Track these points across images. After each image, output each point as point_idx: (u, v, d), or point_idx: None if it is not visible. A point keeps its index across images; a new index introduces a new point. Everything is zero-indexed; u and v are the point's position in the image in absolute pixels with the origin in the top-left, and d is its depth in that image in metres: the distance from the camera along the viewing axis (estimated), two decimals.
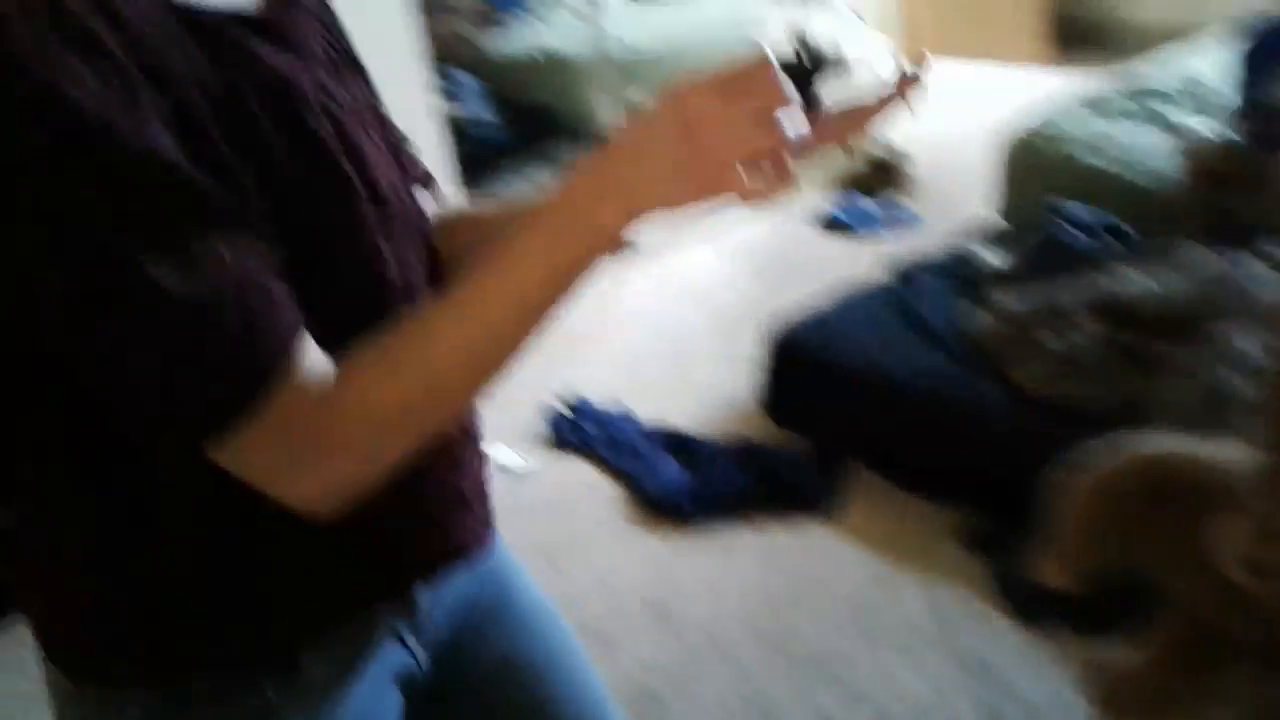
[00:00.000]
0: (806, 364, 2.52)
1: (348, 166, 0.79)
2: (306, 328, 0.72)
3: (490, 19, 4.66)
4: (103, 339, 0.66)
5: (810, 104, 0.75)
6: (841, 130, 0.77)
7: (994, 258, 2.62)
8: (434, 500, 0.90)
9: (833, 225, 3.74)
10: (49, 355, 0.69)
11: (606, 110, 4.16)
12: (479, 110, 4.28)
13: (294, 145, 0.75)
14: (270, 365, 0.69)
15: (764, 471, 2.44)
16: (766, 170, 0.67)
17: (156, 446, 0.71)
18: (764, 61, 0.66)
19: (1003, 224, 2.95)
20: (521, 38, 4.56)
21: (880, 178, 3.91)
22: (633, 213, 0.70)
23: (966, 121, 4.04)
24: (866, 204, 3.80)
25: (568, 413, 2.76)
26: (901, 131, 3.64)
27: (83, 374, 0.69)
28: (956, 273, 2.63)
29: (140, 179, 0.65)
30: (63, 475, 0.75)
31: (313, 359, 0.71)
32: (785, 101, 0.67)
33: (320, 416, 0.70)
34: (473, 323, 0.72)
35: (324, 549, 0.81)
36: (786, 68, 0.68)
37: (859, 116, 0.77)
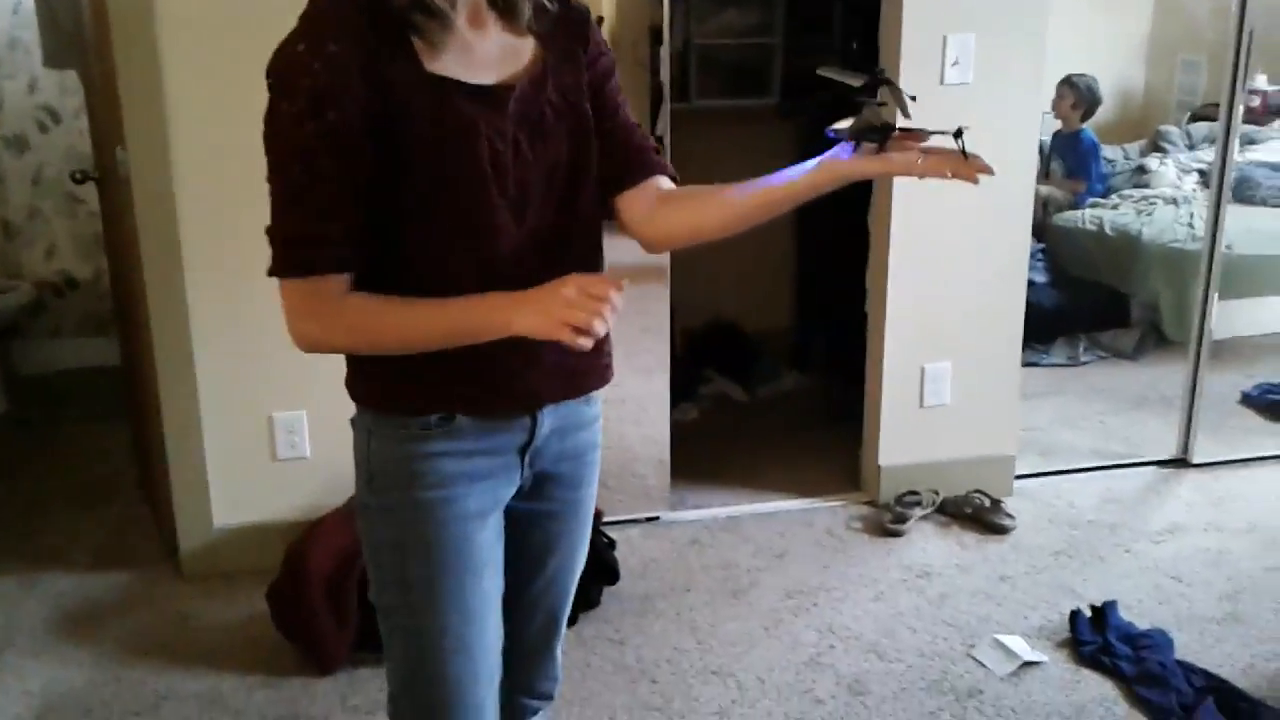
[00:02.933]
0: None
1: (488, 169, 1.22)
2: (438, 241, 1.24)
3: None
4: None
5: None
6: (942, 165, 1.17)
7: None
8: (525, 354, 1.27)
9: None
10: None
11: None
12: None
13: (454, 153, 1.21)
14: (314, 266, 1.19)
15: None
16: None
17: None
18: (613, 284, 1.13)
19: None
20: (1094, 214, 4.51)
21: None
22: (510, 329, 1.17)
23: None
24: None
25: (1093, 617, 2.57)
26: None
27: None
28: None
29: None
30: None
31: (346, 279, 1.21)
32: (608, 307, 1.12)
33: (328, 306, 1.20)
34: (402, 326, 1.23)
35: (466, 361, 1.25)
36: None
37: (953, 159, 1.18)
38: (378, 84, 1.17)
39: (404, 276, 1.25)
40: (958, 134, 1.18)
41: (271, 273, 1.21)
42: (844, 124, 1.23)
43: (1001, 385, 3.19)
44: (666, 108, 2.98)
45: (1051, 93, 4.56)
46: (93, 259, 4.32)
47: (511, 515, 1.41)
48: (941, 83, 2.88)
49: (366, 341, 1.26)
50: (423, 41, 1.20)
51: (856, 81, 1.26)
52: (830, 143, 1.26)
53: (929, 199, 2.89)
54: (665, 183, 1.38)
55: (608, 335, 1.35)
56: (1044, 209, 4.48)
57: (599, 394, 1.46)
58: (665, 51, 2.94)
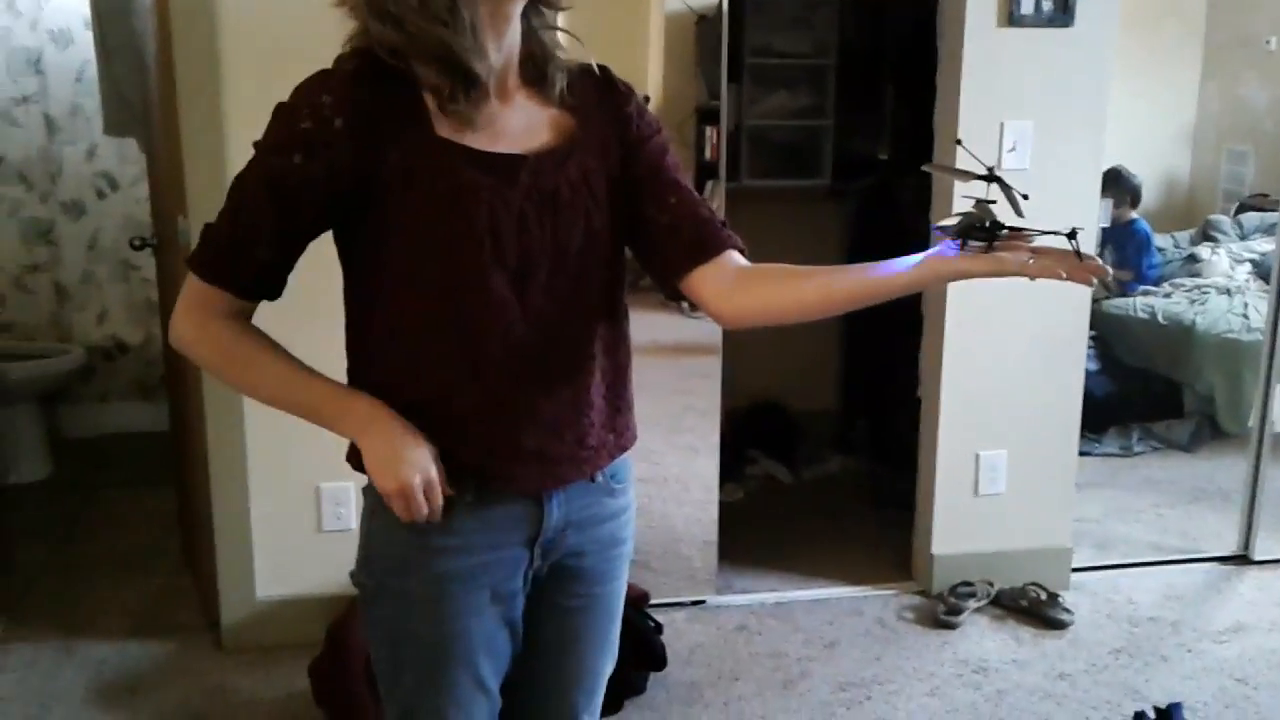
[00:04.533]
0: None
1: (484, 234, 1.21)
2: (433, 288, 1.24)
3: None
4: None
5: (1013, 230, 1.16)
6: (1056, 267, 1.12)
7: None
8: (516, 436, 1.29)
9: None
10: None
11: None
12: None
13: (450, 215, 1.21)
14: (219, 277, 1.23)
15: None
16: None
17: None
18: (447, 494, 1.25)
19: None
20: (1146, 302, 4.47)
21: None
22: (355, 439, 1.27)
23: None
24: None
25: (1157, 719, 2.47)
26: None
27: None
28: None
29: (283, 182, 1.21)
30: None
31: (242, 305, 1.25)
32: (435, 498, 1.24)
33: (212, 320, 1.25)
34: (262, 380, 1.28)
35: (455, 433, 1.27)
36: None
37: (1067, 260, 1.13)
38: (373, 147, 1.18)
39: (396, 338, 1.25)
40: (1072, 234, 1.14)
41: (186, 260, 1.26)
42: (951, 221, 1.19)
43: (1058, 475, 3.12)
44: (721, 187, 2.98)
45: None
46: (143, 324, 4.36)
47: (530, 605, 1.37)
48: (999, 168, 2.86)
49: (228, 373, 1.30)
50: (440, 112, 1.20)
51: (966, 178, 1.23)
52: (929, 238, 1.22)
53: (985, 284, 2.86)
54: (738, 258, 1.34)
55: (618, 413, 1.38)
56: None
57: (627, 485, 1.43)
58: (722, 131, 2.94)
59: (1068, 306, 2.98)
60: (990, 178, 1.21)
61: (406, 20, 1.18)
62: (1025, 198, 1.21)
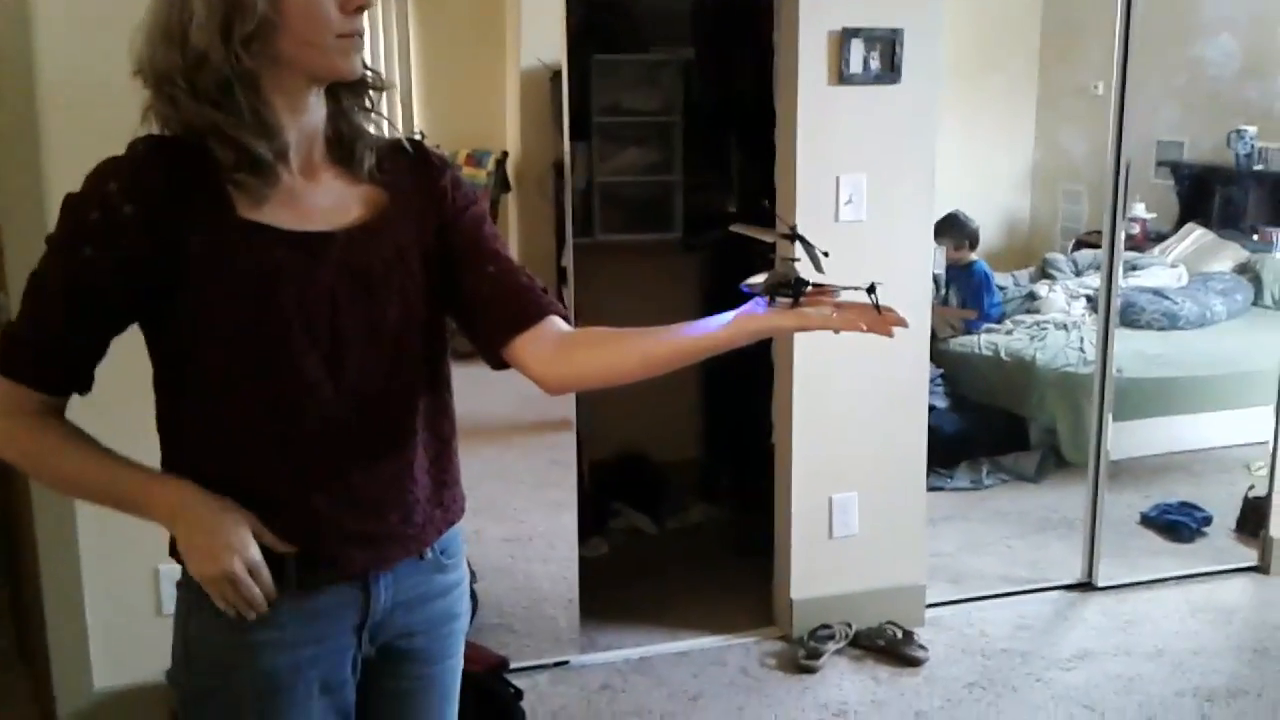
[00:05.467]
0: None
1: (293, 316, 1.20)
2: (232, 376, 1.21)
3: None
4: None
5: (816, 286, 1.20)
6: (857, 320, 1.15)
7: None
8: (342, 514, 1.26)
9: None
10: None
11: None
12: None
13: (256, 297, 1.19)
14: (13, 371, 1.20)
15: None
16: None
17: None
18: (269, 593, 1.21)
19: None
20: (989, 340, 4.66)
21: None
22: (168, 526, 1.23)
23: None
24: None
25: None
26: None
27: None
28: None
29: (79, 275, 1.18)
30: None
31: (42, 399, 1.21)
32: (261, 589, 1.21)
33: (12, 414, 1.20)
34: (72, 474, 1.24)
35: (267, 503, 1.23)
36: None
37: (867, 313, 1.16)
38: (171, 232, 1.16)
39: (208, 423, 1.23)
40: (871, 289, 1.18)
41: None
42: (758, 279, 1.22)
43: (908, 514, 3.20)
44: (569, 244, 3.01)
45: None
46: None
47: (361, 691, 1.34)
48: (836, 220, 2.96)
49: (37, 470, 1.28)
50: (240, 192, 1.18)
51: (770, 238, 1.26)
52: (744, 297, 1.25)
53: (829, 334, 2.94)
54: (560, 324, 1.35)
55: (444, 486, 1.36)
56: (931, 337, 4.59)
57: (459, 559, 1.41)
58: (567, 187, 2.97)
59: (908, 352, 3.08)
60: (792, 236, 1.25)
61: (178, 100, 1.17)
62: (826, 255, 1.25)
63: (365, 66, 1.29)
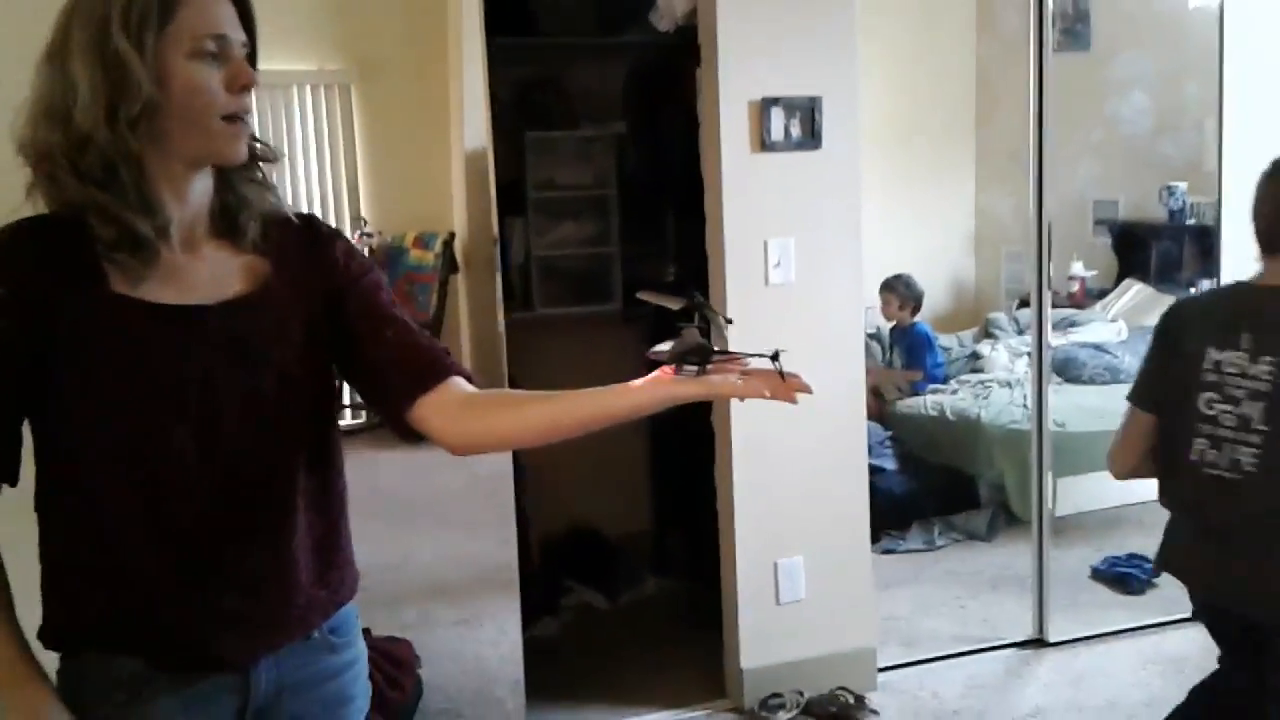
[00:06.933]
0: None
1: (163, 390, 1.19)
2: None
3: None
4: None
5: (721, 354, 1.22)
6: (761, 387, 1.18)
7: None
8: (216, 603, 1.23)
9: None
10: None
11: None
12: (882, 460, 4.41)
13: (126, 372, 1.18)
14: None
15: None
16: None
17: None
18: None
19: None
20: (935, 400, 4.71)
21: None
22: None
23: None
24: None
25: None
26: None
27: None
28: None
29: None
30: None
31: None
32: None
33: None
34: None
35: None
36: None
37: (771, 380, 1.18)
38: (43, 311, 1.15)
39: (81, 501, 1.21)
40: (774, 356, 1.20)
41: None
42: (664, 347, 1.24)
43: (855, 577, 3.18)
44: (499, 319, 3.02)
45: (874, 290, 4.81)
46: None
47: None
48: (766, 283, 2.98)
49: None
50: (116, 268, 1.18)
51: (675, 305, 1.27)
52: (653, 364, 1.25)
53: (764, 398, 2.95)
54: (464, 384, 1.33)
55: (331, 566, 1.33)
56: (877, 397, 4.62)
57: (352, 638, 1.38)
58: (497, 264, 2.99)
59: (845, 412, 3.09)
60: (694, 306, 1.26)
61: (60, 179, 1.16)
62: (729, 322, 1.27)
63: (255, 140, 1.29)
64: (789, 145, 2.95)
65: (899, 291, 5.02)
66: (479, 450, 1.37)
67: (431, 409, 1.30)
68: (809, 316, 2.98)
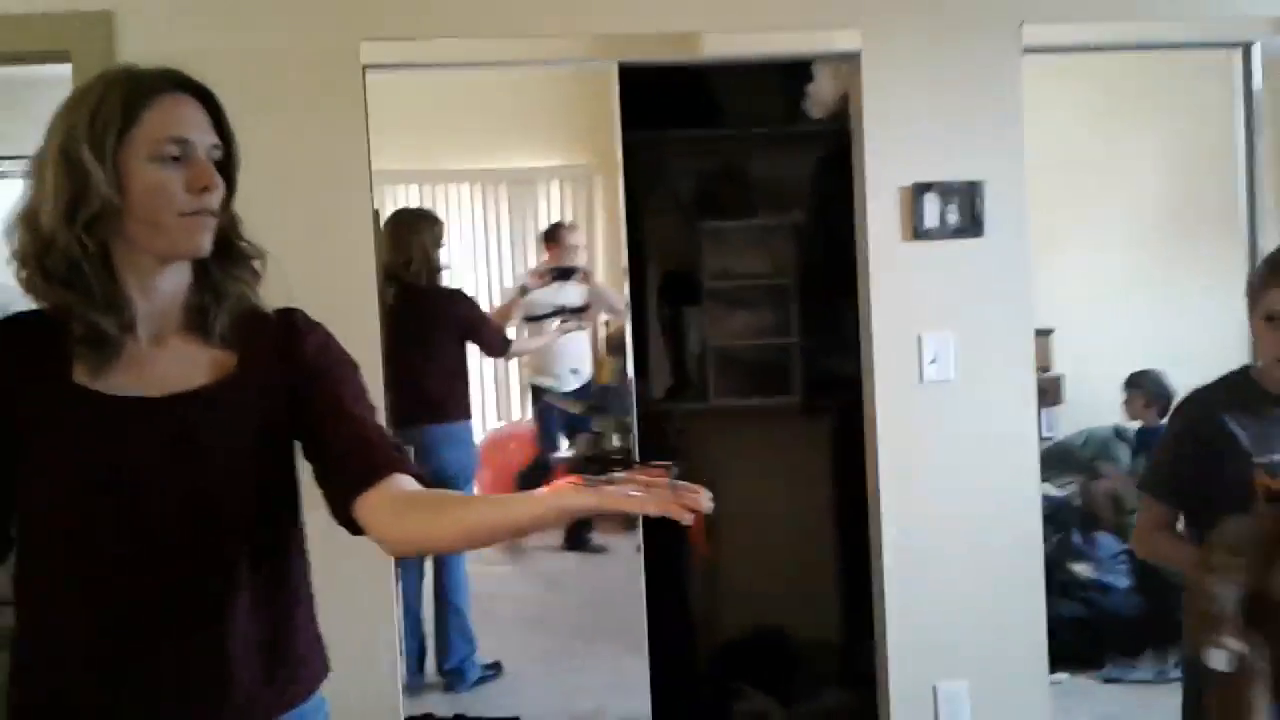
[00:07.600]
0: None
1: (104, 483, 1.22)
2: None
3: None
4: None
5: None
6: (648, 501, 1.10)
7: None
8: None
9: None
10: None
11: None
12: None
13: (71, 462, 1.22)
14: None
15: None
16: None
17: None
18: None
19: None
20: None
21: None
22: None
23: None
24: None
25: None
26: None
27: None
28: None
29: None
30: None
31: None
32: None
33: None
34: None
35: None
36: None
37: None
38: (6, 400, 1.21)
39: (32, 589, 1.24)
40: (668, 469, 1.15)
41: None
42: (570, 455, 1.24)
43: (1030, 707, 2.84)
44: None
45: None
46: None
47: None
48: (921, 380, 2.77)
49: None
50: (81, 361, 1.22)
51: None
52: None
53: (924, 504, 2.74)
54: (406, 482, 1.30)
55: (281, 664, 1.30)
56: (1115, 507, 4.17)
57: None
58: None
59: (1019, 523, 2.78)
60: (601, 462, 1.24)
61: (33, 280, 1.24)
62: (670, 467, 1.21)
63: (241, 239, 1.34)
64: (945, 233, 2.75)
65: (1145, 389, 4.57)
66: (413, 550, 1.35)
67: (370, 506, 1.28)
68: (971, 417, 2.74)
